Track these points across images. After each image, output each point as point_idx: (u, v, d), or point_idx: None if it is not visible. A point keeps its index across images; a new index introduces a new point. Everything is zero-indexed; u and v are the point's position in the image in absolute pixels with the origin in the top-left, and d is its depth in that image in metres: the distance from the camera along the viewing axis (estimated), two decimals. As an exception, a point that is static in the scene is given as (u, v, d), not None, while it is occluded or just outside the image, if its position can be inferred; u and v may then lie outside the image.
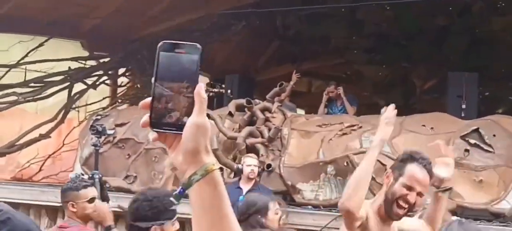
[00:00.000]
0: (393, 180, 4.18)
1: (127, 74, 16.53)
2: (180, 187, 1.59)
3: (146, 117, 1.61)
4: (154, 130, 1.61)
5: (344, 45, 17.49)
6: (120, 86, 16.83)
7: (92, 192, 5.89)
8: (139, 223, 4.47)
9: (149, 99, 1.62)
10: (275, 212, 6.01)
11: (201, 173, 1.56)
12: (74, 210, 5.67)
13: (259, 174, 9.52)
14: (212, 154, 1.60)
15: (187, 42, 1.63)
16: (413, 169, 4.18)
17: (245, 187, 9.27)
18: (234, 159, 10.71)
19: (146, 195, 4.61)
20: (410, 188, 4.13)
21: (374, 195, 9.54)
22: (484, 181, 9.83)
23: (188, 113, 1.58)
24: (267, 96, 11.52)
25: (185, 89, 1.60)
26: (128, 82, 16.60)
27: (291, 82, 12.12)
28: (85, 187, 5.82)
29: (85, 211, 5.69)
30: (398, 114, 11.52)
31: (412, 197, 4.12)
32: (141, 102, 1.65)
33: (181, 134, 1.57)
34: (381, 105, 15.71)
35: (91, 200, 5.76)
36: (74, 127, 15.52)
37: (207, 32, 15.87)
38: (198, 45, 1.63)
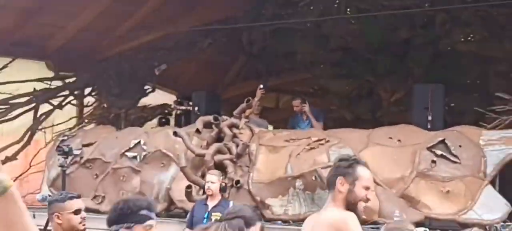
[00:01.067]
0: (349, 186, 4.38)
1: (93, 94, 16.41)
2: None
3: None
4: None
5: (310, 60, 17.53)
6: (87, 106, 16.71)
7: (78, 203, 5.87)
8: (108, 228, 4.48)
9: None
10: None
11: (2, 191, 1.54)
12: (60, 221, 5.66)
13: (223, 190, 9.49)
14: (2, 171, 1.58)
15: None
16: (364, 171, 4.48)
17: (210, 203, 9.30)
18: (202, 176, 10.68)
19: (116, 204, 4.64)
20: (367, 188, 4.43)
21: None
22: (451, 192, 9.92)
23: None
24: (234, 113, 11.53)
25: None
26: (94, 102, 16.48)
27: (256, 98, 12.13)
28: (70, 198, 5.81)
29: (70, 222, 5.68)
30: (366, 127, 11.70)
31: (370, 194, 4.46)
32: None
33: None
34: (348, 119, 15.94)
35: (77, 212, 5.75)
36: (41, 148, 15.37)
37: (173, 50, 15.85)
38: None
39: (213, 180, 9.45)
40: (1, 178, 1.53)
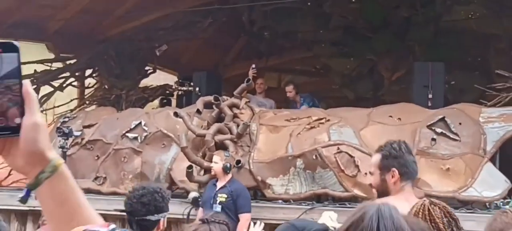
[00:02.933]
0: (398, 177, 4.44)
1: (94, 75, 16.43)
2: (26, 189, 1.58)
3: None
4: None
5: (311, 39, 17.53)
6: (88, 87, 16.73)
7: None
8: (150, 217, 4.67)
9: None
10: None
11: (50, 170, 1.54)
12: None
13: (226, 169, 9.48)
14: (53, 149, 1.58)
15: (4, 41, 1.55)
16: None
17: (218, 184, 9.35)
18: (203, 156, 10.71)
19: (148, 189, 4.80)
20: None
21: (343, 186, 9.68)
22: (451, 169, 9.94)
23: (21, 114, 1.51)
24: (235, 93, 11.52)
25: (9, 90, 1.52)
26: (95, 83, 16.50)
27: (249, 78, 12.00)
28: None
29: None
30: (367, 106, 11.71)
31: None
32: None
33: (18, 136, 1.52)
34: (350, 98, 15.94)
35: None
36: (43, 130, 15.37)
37: (173, 30, 15.85)
38: (16, 43, 1.55)
39: (216, 160, 9.48)
40: (51, 157, 1.54)
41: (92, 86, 16.63)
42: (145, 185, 5.01)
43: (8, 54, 1.54)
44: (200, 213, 9.36)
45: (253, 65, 12.38)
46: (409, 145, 10.00)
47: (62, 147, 8.75)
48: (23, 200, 1.60)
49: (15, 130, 1.51)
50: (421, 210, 3.34)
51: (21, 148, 1.52)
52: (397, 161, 4.56)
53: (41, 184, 1.54)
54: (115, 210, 8.26)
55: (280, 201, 10.33)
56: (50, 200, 1.56)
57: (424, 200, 3.42)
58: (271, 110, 12.47)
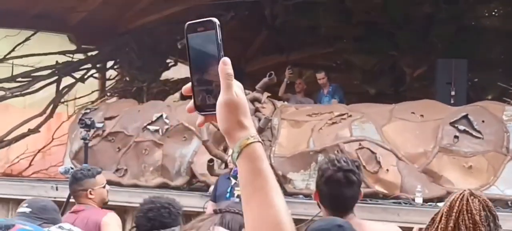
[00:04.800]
0: None
1: (115, 67, 16.47)
2: (235, 167, 1.63)
3: (191, 102, 1.62)
4: (200, 113, 1.62)
5: (333, 34, 17.48)
6: (109, 79, 16.77)
7: (104, 178, 6.20)
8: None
9: (189, 84, 1.62)
10: None
11: (237, 150, 1.57)
12: (92, 196, 5.81)
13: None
14: (249, 127, 1.59)
15: (204, 19, 1.63)
16: None
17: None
18: (224, 150, 10.68)
19: (156, 204, 4.74)
20: None
21: (365, 182, 9.64)
22: (473, 167, 9.88)
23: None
24: (257, 87, 11.49)
25: (213, 68, 1.59)
26: (116, 76, 16.55)
27: (285, 80, 12.04)
28: (98, 173, 6.02)
29: (102, 196, 5.87)
30: (388, 102, 11.66)
31: None
32: (183, 88, 1.65)
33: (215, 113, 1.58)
34: (371, 93, 15.89)
35: (105, 186, 5.95)
36: (63, 121, 15.44)
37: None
38: (214, 20, 1.62)
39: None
40: (241, 136, 1.58)
41: (113, 78, 16.67)
42: (155, 199, 4.90)
43: (210, 33, 1.62)
44: (210, 207, 9.30)
45: (289, 67, 12.35)
46: (431, 141, 10.06)
47: (84, 139, 8.73)
48: (234, 176, 1.67)
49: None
50: (459, 199, 3.28)
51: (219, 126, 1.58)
52: None
53: (234, 162, 1.59)
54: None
55: (301, 196, 10.29)
56: (240, 180, 1.60)
57: (464, 190, 3.35)
58: (293, 105, 12.42)
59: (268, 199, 1.56)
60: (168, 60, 16.29)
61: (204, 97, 1.60)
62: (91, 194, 5.87)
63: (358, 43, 17.15)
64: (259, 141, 1.60)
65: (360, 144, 10.26)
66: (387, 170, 10.02)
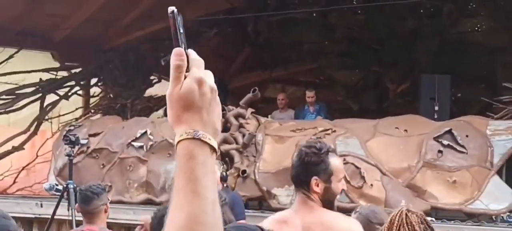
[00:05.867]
0: (325, 184, 3.88)
1: (99, 84, 16.44)
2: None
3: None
4: None
5: (317, 50, 17.51)
6: (93, 96, 16.74)
7: None
8: None
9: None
10: None
11: (176, 145, 1.48)
12: (107, 213, 5.71)
13: (224, 179, 9.41)
14: (186, 123, 1.48)
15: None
16: (337, 163, 3.98)
17: None
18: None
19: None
20: (341, 179, 3.95)
21: (349, 198, 9.65)
22: (457, 182, 9.92)
23: None
24: (241, 103, 11.52)
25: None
26: (100, 92, 16.52)
27: (255, 88, 11.84)
28: (105, 189, 5.92)
29: (108, 211, 5.76)
30: (372, 118, 11.69)
31: (343, 183, 4.04)
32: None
33: None
34: (355, 109, 15.90)
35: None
36: (48, 138, 15.39)
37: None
38: (171, 8, 1.55)
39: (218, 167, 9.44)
40: (177, 132, 1.48)
41: (97, 95, 16.65)
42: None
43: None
44: None
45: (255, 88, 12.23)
46: (415, 156, 10.11)
47: (68, 155, 8.71)
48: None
49: None
50: (398, 215, 3.41)
51: None
52: None
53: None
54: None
55: (285, 211, 10.28)
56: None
57: (402, 208, 3.49)
58: (277, 120, 12.43)
59: (180, 201, 1.44)
60: (151, 77, 16.27)
61: None
62: (107, 210, 5.76)
63: (341, 59, 17.18)
64: (195, 138, 1.46)
65: (344, 159, 10.24)
66: (371, 184, 10.06)
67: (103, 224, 5.67)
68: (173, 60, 1.50)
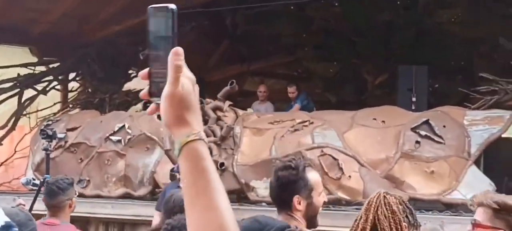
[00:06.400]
0: (306, 201, 3.86)
1: (77, 79, 16.39)
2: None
3: (145, 88, 1.58)
4: (151, 99, 1.57)
5: (294, 43, 17.52)
6: (71, 91, 16.67)
7: None
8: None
9: (147, 70, 1.58)
10: None
11: (177, 147, 1.51)
12: (72, 206, 5.67)
13: None
14: (191, 124, 1.52)
15: (164, 5, 1.57)
16: (315, 177, 3.96)
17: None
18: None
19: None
20: (321, 192, 3.96)
21: (327, 189, 9.67)
22: (435, 172, 9.97)
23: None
24: (218, 95, 11.51)
25: (166, 56, 1.54)
26: (79, 87, 16.46)
27: (233, 81, 11.85)
28: (72, 181, 5.89)
29: (74, 205, 5.72)
30: (350, 110, 11.72)
31: (324, 197, 4.03)
32: (140, 73, 1.61)
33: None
34: (333, 102, 15.93)
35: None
36: (26, 134, 15.33)
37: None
38: (171, 6, 1.56)
39: None
40: (182, 132, 1.51)
41: (76, 90, 16.59)
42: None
43: (168, 20, 1.56)
44: (156, 217, 9.12)
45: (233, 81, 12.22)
46: (393, 147, 10.15)
47: (45, 149, 8.67)
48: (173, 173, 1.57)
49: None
50: (376, 197, 3.46)
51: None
52: None
53: (176, 159, 1.52)
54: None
55: (263, 203, 10.29)
56: (181, 179, 1.53)
57: (380, 191, 3.53)
58: (254, 113, 12.46)
59: (211, 201, 1.50)
60: (130, 71, 16.23)
61: (159, 84, 1.55)
62: (72, 205, 5.73)
63: (319, 51, 17.20)
64: (201, 139, 1.53)
65: (322, 151, 10.31)
66: (350, 176, 10.09)
67: (66, 219, 5.67)
68: (174, 60, 1.51)
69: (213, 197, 1.50)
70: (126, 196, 11.28)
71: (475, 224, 3.64)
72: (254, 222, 2.87)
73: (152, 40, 1.58)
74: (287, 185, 3.86)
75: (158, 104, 1.55)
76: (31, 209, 6.70)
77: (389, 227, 3.43)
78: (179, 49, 1.54)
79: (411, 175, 10.02)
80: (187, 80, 1.54)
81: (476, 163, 10.14)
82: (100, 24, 15.42)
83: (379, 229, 3.47)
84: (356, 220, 3.58)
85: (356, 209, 9.43)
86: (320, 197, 3.93)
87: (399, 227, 3.43)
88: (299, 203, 3.84)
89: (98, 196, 11.28)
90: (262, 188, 10.54)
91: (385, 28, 15.80)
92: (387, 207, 3.45)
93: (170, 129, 1.52)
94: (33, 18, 14.83)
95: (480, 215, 3.61)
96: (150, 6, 1.58)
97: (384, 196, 3.49)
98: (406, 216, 3.50)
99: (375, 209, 3.47)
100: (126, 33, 15.52)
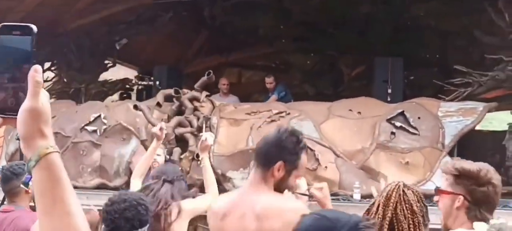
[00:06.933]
0: (284, 173, 3.88)
1: (53, 68, 16.26)
2: (27, 175, 1.62)
3: None
4: (0, 115, 1.61)
5: (272, 34, 17.54)
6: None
7: None
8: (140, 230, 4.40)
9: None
10: None
11: (35, 158, 1.56)
12: (29, 194, 5.57)
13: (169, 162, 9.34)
14: (49, 137, 1.59)
15: (22, 24, 1.61)
16: (304, 160, 3.99)
17: None
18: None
19: (131, 202, 4.45)
20: (298, 176, 4.02)
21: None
22: (410, 163, 10.03)
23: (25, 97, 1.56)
24: (196, 86, 11.50)
25: (21, 72, 1.58)
26: (54, 77, 16.32)
27: (210, 71, 11.86)
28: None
29: (31, 195, 5.62)
30: (327, 101, 11.71)
31: (298, 182, 4.09)
32: None
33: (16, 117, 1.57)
34: (310, 93, 15.92)
35: None
36: (0, 124, 15.20)
37: (134, 24, 15.73)
38: (32, 26, 1.62)
39: (159, 153, 9.38)
40: (40, 145, 1.57)
41: (51, 80, 16.47)
42: (126, 196, 4.56)
43: (25, 38, 1.60)
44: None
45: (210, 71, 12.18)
46: (368, 138, 10.18)
47: (19, 139, 8.63)
48: (25, 184, 1.67)
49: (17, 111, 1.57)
50: (395, 190, 3.37)
51: (18, 131, 1.57)
52: None
53: (30, 170, 1.58)
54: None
55: (240, 194, 10.30)
56: (34, 189, 1.59)
57: (398, 182, 3.45)
58: (232, 104, 12.46)
59: (70, 206, 1.59)
60: (106, 61, 16.15)
61: (6, 99, 1.59)
62: (30, 190, 5.64)
63: (297, 43, 17.25)
64: (57, 151, 1.60)
65: (298, 142, 10.31)
66: (326, 167, 10.11)
67: (24, 203, 5.58)
68: (34, 76, 1.55)
69: (70, 203, 1.60)
70: (102, 187, 11.23)
71: (438, 191, 3.69)
72: (322, 220, 2.70)
73: (6, 55, 1.61)
74: (284, 148, 3.88)
75: (4, 119, 1.63)
76: (3, 200, 6.61)
77: (408, 229, 3.36)
78: (38, 67, 1.58)
79: (386, 165, 10.07)
80: (45, 97, 1.60)
81: (450, 154, 10.21)
82: (76, 14, 15.32)
83: (396, 229, 3.40)
84: (369, 211, 3.49)
85: (332, 199, 9.48)
86: (295, 179, 3.94)
87: (418, 228, 3.38)
88: (279, 170, 3.86)
89: (73, 187, 11.19)
90: (238, 178, 10.54)
91: (363, 21, 15.85)
92: (407, 205, 3.38)
93: (28, 140, 1.57)
94: (8, 6, 14.69)
95: (443, 181, 3.66)
96: (6, 24, 1.64)
97: (404, 191, 3.43)
98: (423, 216, 3.48)
99: (394, 205, 3.38)
100: (103, 23, 15.45)
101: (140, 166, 6.32)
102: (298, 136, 3.97)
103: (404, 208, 3.39)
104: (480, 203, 3.63)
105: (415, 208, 3.39)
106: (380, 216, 3.41)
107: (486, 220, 3.60)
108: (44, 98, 1.58)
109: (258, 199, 3.83)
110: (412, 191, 3.49)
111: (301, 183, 4.51)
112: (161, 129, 6.36)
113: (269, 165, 3.87)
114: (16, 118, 1.58)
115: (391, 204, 3.38)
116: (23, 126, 1.56)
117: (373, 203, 3.54)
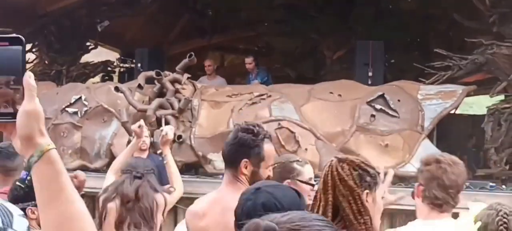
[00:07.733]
0: (253, 168, 3.91)
1: (34, 50, 16.18)
2: (23, 172, 1.70)
3: None
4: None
5: (255, 17, 17.53)
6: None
7: None
8: None
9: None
10: None
11: (38, 154, 1.69)
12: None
13: (152, 145, 9.33)
14: (47, 136, 1.72)
15: (9, 35, 1.73)
16: (270, 150, 4.01)
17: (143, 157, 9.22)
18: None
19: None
20: (268, 166, 4.02)
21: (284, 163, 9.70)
22: (389, 145, 10.09)
23: (21, 102, 1.69)
24: (177, 68, 11.49)
25: (13, 81, 1.70)
26: (35, 59, 16.25)
27: (191, 53, 11.88)
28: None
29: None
30: (309, 84, 11.73)
31: (270, 171, 4.05)
32: None
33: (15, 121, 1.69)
34: (292, 77, 15.96)
35: None
36: (-20, 105, 15.13)
37: (116, 6, 15.67)
38: (21, 37, 1.75)
39: (147, 134, 9.38)
40: (41, 142, 1.70)
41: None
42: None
43: (14, 48, 1.72)
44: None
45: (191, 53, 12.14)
46: (348, 120, 10.23)
47: (-1, 120, 8.58)
48: (22, 182, 1.76)
49: (15, 116, 1.69)
50: (330, 172, 3.25)
51: (17, 132, 1.70)
52: None
53: (31, 167, 1.69)
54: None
55: (221, 176, 10.30)
56: (37, 184, 1.69)
57: (332, 160, 3.32)
58: (213, 86, 12.46)
59: (72, 195, 1.73)
60: (87, 43, 16.10)
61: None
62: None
63: (279, 26, 17.24)
64: (55, 148, 1.74)
65: (279, 124, 10.37)
66: (306, 149, 10.16)
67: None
68: (30, 81, 1.70)
69: (72, 192, 1.73)
70: (82, 169, 11.12)
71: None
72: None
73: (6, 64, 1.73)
74: (242, 146, 3.92)
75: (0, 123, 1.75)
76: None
77: (350, 207, 3.24)
78: (31, 73, 1.74)
79: (366, 148, 10.11)
80: (37, 99, 1.74)
81: (429, 136, 10.31)
82: (58, -5, 15.26)
83: (340, 211, 3.29)
84: (316, 198, 3.38)
85: (315, 181, 9.53)
86: (266, 170, 3.97)
87: (359, 201, 3.24)
88: (246, 167, 3.90)
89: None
90: (219, 160, 10.53)
91: (345, 4, 15.87)
92: (343, 184, 3.13)
93: (30, 140, 1.70)
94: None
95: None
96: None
97: (337, 169, 3.19)
98: (365, 181, 3.19)
99: (332, 189, 3.26)
100: (84, 4, 15.38)
101: (117, 161, 6.32)
102: (254, 128, 3.99)
103: (341, 187, 3.15)
104: (428, 182, 3.69)
105: (351, 183, 3.12)
106: (323, 203, 3.30)
107: (442, 201, 3.68)
108: (38, 101, 1.72)
109: (236, 196, 3.83)
110: (346, 163, 3.19)
111: (305, 170, 4.57)
112: (140, 127, 6.36)
113: (236, 165, 3.92)
114: (10, 122, 1.71)
115: (330, 189, 3.23)
116: (25, 126, 1.69)
117: (318, 190, 3.43)
